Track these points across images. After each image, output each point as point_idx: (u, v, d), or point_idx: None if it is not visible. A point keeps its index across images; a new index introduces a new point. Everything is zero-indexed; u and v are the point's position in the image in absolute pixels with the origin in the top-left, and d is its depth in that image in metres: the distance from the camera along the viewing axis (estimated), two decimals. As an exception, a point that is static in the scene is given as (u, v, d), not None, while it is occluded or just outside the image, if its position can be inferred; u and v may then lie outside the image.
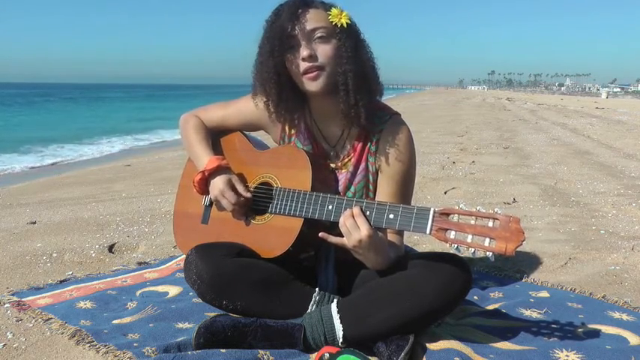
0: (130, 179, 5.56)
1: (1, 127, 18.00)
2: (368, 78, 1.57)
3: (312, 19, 1.53)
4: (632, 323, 1.75)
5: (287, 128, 1.73)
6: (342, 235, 1.45)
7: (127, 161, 7.80)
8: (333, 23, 1.53)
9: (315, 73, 1.54)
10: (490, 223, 1.30)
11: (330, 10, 1.54)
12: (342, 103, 1.56)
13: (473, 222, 1.32)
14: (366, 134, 1.64)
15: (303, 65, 1.53)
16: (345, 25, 1.53)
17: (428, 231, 1.36)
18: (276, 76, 1.58)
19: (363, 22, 1.62)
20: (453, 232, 1.33)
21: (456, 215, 1.34)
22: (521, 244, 1.27)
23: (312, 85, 1.55)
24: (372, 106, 1.61)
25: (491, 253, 1.29)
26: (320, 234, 1.45)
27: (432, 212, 1.37)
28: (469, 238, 1.31)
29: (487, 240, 1.30)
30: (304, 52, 1.52)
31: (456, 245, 1.33)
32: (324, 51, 1.53)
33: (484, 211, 1.32)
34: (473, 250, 1.31)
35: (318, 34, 1.53)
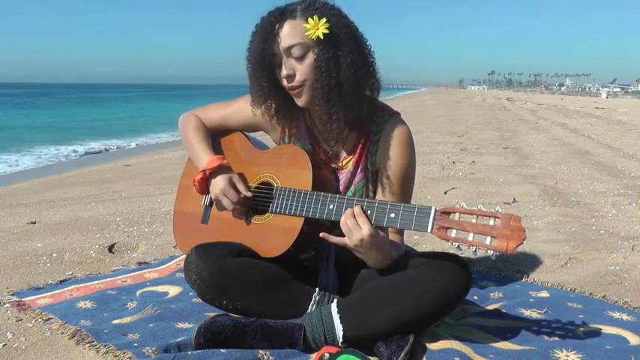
0: (130, 179, 5.56)
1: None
2: (348, 88, 1.51)
3: (287, 36, 1.51)
4: (632, 323, 1.75)
5: (287, 129, 1.73)
6: (343, 235, 1.45)
7: (127, 161, 7.81)
8: (309, 37, 1.50)
9: (296, 91, 1.55)
10: (491, 222, 1.30)
11: (307, 21, 1.49)
12: (318, 116, 1.58)
13: (474, 220, 1.32)
14: (366, 134, 1.64)
15: (285, 83, 1.56)
16: (321, 37, 1.48)
17: (429, 229, 1.36)
18: (265, 92, 1.60)
19: (362, 21, 1.60)
20: (454, 231, 1.33)
21: (457, 214, 1.34)
22: (522, 243, 1.28)
23: (298, 102, 1.58)
24: (360, 110, 1.59)
25: (492, 252, 1.29)
26: (321, 234, 1.45)
27: (433, 211, 1.37)
28: (470, 237, 1.31)
29: (488, 238, 1.30)
30: (283, 72, 1.54)
31: (457, 244, 1.33)
32: (301, 68, 1.52)
33: (485, 209, 1.32)
34: (474, 248, 1.31)
35: (295, 52, 1.51)
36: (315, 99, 1.54)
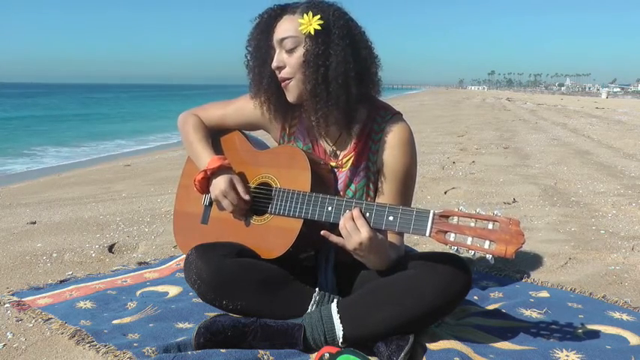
0: (130, 179, 5.56)
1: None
2: (336, 86, 1.51)
3: (281, 29, 1.55)
4: (632, 323, 1.75)
5: (287, 127, 1.73)
6: (342, 236, 1.45)
7: (127, 161, 7.81)
8: (302, 32, 1.52)
9: (284, 84, 1.58)
10: (490, 226, 1.30)
11: (303, 17, 1.52)
12: (306, 110, 1.59)
13: (472, 224, 1.32)
14: (367, 133, 1.64)
15: (277, 74, 1.58)
16: (312, 33, 1.50)
17: (427, 233, 1.36)
18: (263, 85, 1.62)
19: (362, 20, 1.60)
20: (452, 235, 1.33)
21: (455, 217, 1.34)
22: (521, 247, 1.27)
23: (288, 96, 1.60)
24: (352, 110, 1.59)
25: (490, 256, 1.29)
26: (322, 232, 1.45)
27: (431, 214, 1.36)
28: (469, 241, 1.31)
29: (487, 242, 1.29)
30: (273, 62, 1.57)
31: (455, 247, 1.33)
32: (290, 61, 1.55)
33: (484, 213, 1.31)
34: (473, 252, 1.30)
35: (287, 44, 1.54)
36: (304, 94, 1.56)
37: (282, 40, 1.55)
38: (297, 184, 1.56)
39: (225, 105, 1.81)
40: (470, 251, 1.31)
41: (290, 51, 1.54)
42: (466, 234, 1.32)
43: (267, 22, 1.58)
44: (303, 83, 1.55)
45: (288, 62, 1.55)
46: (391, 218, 1.41)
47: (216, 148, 1.76)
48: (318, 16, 1.51)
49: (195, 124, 1.78)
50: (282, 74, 1.56)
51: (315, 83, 1.52)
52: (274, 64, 1.57)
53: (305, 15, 1.51)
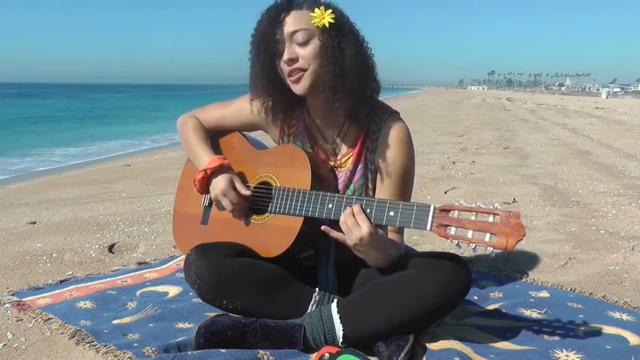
0: (130, 179, 5.56)
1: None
2: (351, 77, 1.53)
3: (291, 22, 1.54)
4: (632, 323, 1.74)
5: (286, 128, 1.73)
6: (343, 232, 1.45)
7: (127, 161, 7.81)
8: (315, 25, 1.53)
9: (296, 76, 1.56)
10: (490, 219, 1.30)
11: (314, 11, 1.53)
12: (323, 102, 1.58)
13: (473, 218, 1.32)
14: (365, 132, 1.64)
15: (287, 68, 1.56)
16: (327, 25, 1.52)
17: (428, 227, 1.36)
18: (265, 82, 1.61)
19: (361, 19, 1.61)
20: (453, 228, 1.34)
21: (456, 211, 1.34)
22: (522, 239, 1.28)
23: (296, 88, 1.58)
24: (361, 105, 1.60)
25: (491, 249, 1.29)
26: (322, 227, 1.45)
27: (432, 208, 1.37)
28: (469, 234, 1.32)
29: (487, 235, 1.30)
30: (285, 55, 1.55)
31: (456, 241, 1.33)
32: (304, 53, 1.54)
33: (484, 206, 1.32)
34: (474, 245, 1.31)
35: (299, 37, 1.54)
36: (319, 85, 1.55)
37: (293, 32, 1.54)
38: (297, 183, 1.56)
39: (224, 106, 1.81)
40: (471, 244, 1.31)
41: (302, 44, 1.54)
42: (467, 227, 1.32)
43: (274, 15, 1.56)
44: (317, 75, 1.54)
45: (301, 54, 1.54)
46: (392, 214, 1.41)
47: (216, 149, 1.76)
48: (330, 10, 1.52)
49: (195, 126, 1.78)
50: (296, 66, 1.55)
51: (333, 75, 1.52)
52: (286, 57, 1.54)
53: (317, 9, 1.52)
